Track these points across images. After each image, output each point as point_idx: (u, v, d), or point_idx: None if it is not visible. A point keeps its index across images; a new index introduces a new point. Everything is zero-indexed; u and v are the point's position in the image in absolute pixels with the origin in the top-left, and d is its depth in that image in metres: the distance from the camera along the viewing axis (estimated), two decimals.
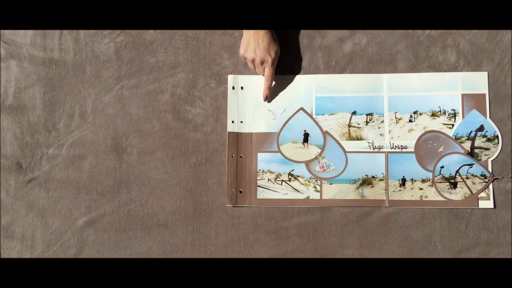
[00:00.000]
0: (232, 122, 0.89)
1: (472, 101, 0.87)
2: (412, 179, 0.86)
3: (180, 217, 0.88)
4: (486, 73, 0.87)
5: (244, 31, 0.86)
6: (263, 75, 0.87)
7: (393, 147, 0.87)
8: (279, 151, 0.88)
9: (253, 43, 0.84)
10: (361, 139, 0.88)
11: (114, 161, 0.89)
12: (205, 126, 0.89)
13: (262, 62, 0.85)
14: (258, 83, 0.89)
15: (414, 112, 0.87)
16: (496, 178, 0.85)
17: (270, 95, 0.89)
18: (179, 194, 0.88)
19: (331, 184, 0.87)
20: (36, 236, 0.89)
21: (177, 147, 0.89)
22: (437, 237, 0.85)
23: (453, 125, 0.87)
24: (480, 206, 0.85)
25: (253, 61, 0.85)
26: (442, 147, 0.87)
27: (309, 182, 0.87)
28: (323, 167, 0.88)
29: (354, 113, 0.88)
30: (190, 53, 0.90)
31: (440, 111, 0.87)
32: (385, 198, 0.86)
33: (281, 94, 0.89)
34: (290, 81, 0.89)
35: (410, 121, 0.87)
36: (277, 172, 0.88)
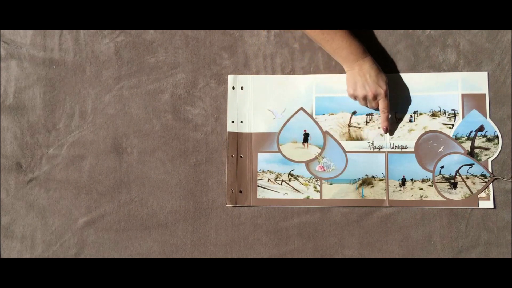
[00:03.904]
0: (232, 122, 0.89)
1: (472, 101, 0.87)
2: (412, 179, 0.86)
3: (180, 217, 0.88)
4: (486, 73, 0.87)
5: (345, 70, 0.84)
6: (373, 108, 0.86)
7: (393, 147, 0.87)
8: (279, 151, 0.88)
9: (360, 79, 0.82)
10: (361, 139, 0.88)
11: (114, 161, 0.89)
12: (205, 126, 0.89)
13: (375, 97, 0.83)
14: (258, 83, 0.89)
15: (414, 112, 0.87)
16: (496, 178, 0.85)
17: (270, 95, 0.89)
18: (179, 194, 0.88)
19: (331, 184, 0.87)
20: (36, 236, 0.89)
21: (177, 147, 0.89)
22: (437, 237, 0.85)
23: (453, 125, 0.87)
24: (480, 206, 0.85)
25: (364, 97, 0.84)
26: (442, 147, 0.87)
27: (309, 182, 0.87)
28: (323, 167, 0.88)
29: (354, 113, 0.88)
30: (190, 53, 0.90)
31: (440, 111, 0.87)
32: (385, 198, 0.86)
33: (281, 94, 0.89)
34: (290, 81, 0.89)
35: (410, 121, 0.87)
36: (277, 172, 0.88)
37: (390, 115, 0.85)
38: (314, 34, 0.82)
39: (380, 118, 0.86)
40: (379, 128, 0.87)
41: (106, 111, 0.90)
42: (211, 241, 0.87)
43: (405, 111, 0.87)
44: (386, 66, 0.88)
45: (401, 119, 0.87)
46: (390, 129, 0.87)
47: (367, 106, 0.86)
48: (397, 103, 0.87)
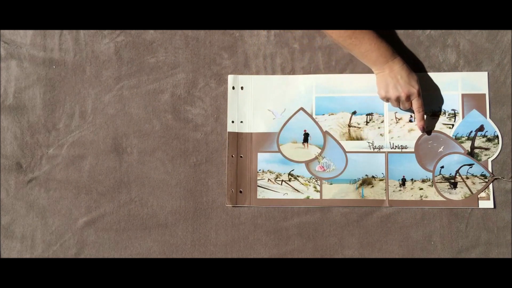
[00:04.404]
0: (232, 122, 0.89)
1: (472, 101, 0.87)
2: (412, 179, 0.86)
3: (180, 217, 0.88)
4: (486, 73, 0.87)
5: (375, 73, 0.84)
6: (406, 109, 0.85)
7: (393, 147, 0.87)
8: (279, 151, 0.88)
9: (392, 81, 0.82)
10: (361, 139, 0.88)
11: (114, 161, 0.89)
12: (205, 126, 0.89)
13: (408, 97, 0.82)
14: (258, 83, 0.89)
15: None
16: (496, 178, 0.85)
17: (270, 95, 0.89)
18: (179, 194, 0.88)
19: (331, 184, 0.87)
20: (36, 236, 0.89)
21: (177, 147, 0.89)
22: (437, 237, 0.85)
23: (453, 125, 0.87)
24: (480, 206, 0.85)
25: (397, 99, 0.83)
26: (442, 147, 0.87)
27: (309, 182, 0.87)
28: (323, 167, 0.88)
29: (354, 113, 0.88)
30: (190, 53, 0.90)
31: (440, 111, 0.87)
32: (385, 198, 0.86)
33: (281, 94, 0.89)
34: (290, 81, 0.89)
35: (410, 121, 0.87)
36: (277, 172, 0.88)
37: (424, 115, 0.85)
38: (342, 39, 0.81)
39: (415, 118, 0.85)
40: (379, 128, 0.87)
41: (106, 111, 0.90)
42: (211, 241, 0.87)
43: (405, 111, 0.87)
44: None
45: (401, 119, 0.87)
46: (390, 129, 0.87)
47: (400, 108, 0.86)
48: None
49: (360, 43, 0.80)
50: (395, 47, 0.82)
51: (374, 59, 0.81)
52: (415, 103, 0.83)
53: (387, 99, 0.85)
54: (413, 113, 0.85)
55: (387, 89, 0.83)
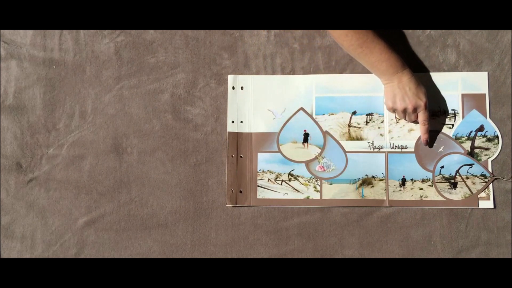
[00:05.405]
0: (232, 122, 0.89)
1: (472, 101, 0.87)
2: (412, 179, 0.86)
3: (180, 217, 0.88)
4: (486, 73, 0.87)
5: (383, 83, 0.84)
6: (412, 121, 0.85)
7: (393, 147, 0.87)
8: (279, 151, 0.88)
9: (400, 92, 0.82)
10: (361, 139, 0.88)
11: (114, 161, 0.89)
12: (205, 126, 0.89)
13: (415, 109, 0.82)
14: (258, 83, 0.89)
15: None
16: (496, 178, 0.85)
17: (270, 95, 0.89)
18: (179, 194, 0.88)
19: (331, 184, 0.87)
20: (36, 236, 0.89)
21: (177, 147, 0.89)
22: (437, 237, 0.85)
23: (453, 125, 0.87)
24: (480, 206, 0.85)
25: (404, 110, 0.83)
26: (442, 147, 0.87)
27: (309, 182, 0.87)
28: (323, 167, 0.88)
29: (354, 113, 0.88)
30: (190, 53, 0.90)
31: (440, 111, 0.87)
32: (385, 198, 0.86)
33: (281, 94, 0.89)
34: (290, 81, 0.89)
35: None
36: (277, 172, 0.88)
37: (428, 127, 0.84)
38: (352, 48, 0.81)
39: (420, 131, 0.85)
40: (379, 128, 0.87)
41: (106, 111, 0.90)
42: (211, 241, 0.87)
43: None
44: None
45: (401, 119, 0.87)
46: (390, 129, 0.87)
47: (405, 119, 0.86)
48: None
49: (370, 52, 0.80)
50: (395, 47, 0.82)
51: (383, 69, 0.81)
52: (421, 116, 0.83)
53: (394, 110, 0.85)
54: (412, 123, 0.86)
55: (394, 100, 0.83)
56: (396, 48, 0.82)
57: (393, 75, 0.81)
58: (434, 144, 0.87)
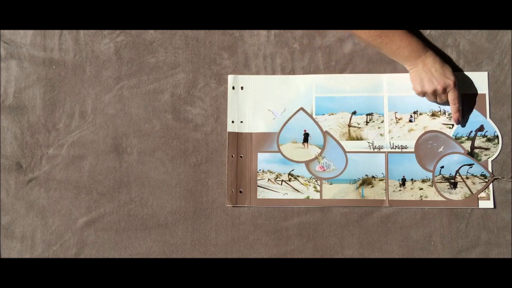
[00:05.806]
0: (232, 122, 0.89)
1: (472, 101, 0.87)
2: (412, 179, 0.86)
3: (180, 217, 0.88)
4: (486, 73, 0.87)
5: (408, 69, 0.84)
6: (443, 102, 0.85)
7: (393, 147, 0.87)
8: (279, 151, 0.88)
9: (426, 75, 0.81)
10: (361, 139, 0.88)
11: (114, 161, 0.89)
12: (205, 126, 0.89)
13: (445, 89, 0.82)
14: (258, 83, 0.89)
15: (414, 112, 0.87)
16: (496, 178, 0.85)
17: (270, 95, 0.89)
18: (179, 194, 0.88)
19: (331, 184, 0.87)
20: (36, 236, 0.89)
21: (177, 147, 0.89)
22: (437, 237, 0.85)
23: (453, 125, 0.87)
24: (480, 206, 0.85)
25: (434, 92, 0.83)
26: (442, 147, 0.87)
27: (309, 182, 0.87)
28: (323, 167, 0.88)
29: (354, 113, 0.88)
30: (190, 53, 0.90)
31: (440, 111, 0.87)
32: (385, 198, 0.86)
33: (281, 94, 0.89)
34: (290, 81, 0.89)
35: (410, 121, 0.87)
36: (277, 172, 0.88)
37: (460, 106, 0.84)
38: (372, 39, 0.80)
39: (451, 110, 0.84)
40: (379, 128, 0.87)
41: (106, 111, 0.90)
42: (211, 241, 0.87)
43: (405, 111, 0.87)
44: (386, 66, 0.88)
45: (401, 119, 0.87)
46: (390, 129, 0.87)
47: (437, 102, 0.85)
48: (397, 103, 0.87)
49: (390, 41, 0.80)
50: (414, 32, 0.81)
51: (406, 55, 0.81)
52: (451, 95, 0.82)
53: (424, 94, 0.84)
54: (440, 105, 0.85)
55: (422, 83, 0.82)
56: (414, 32, 0.81)
57: (417, 59, 0.81)
58: (434, 144, 0.87)
